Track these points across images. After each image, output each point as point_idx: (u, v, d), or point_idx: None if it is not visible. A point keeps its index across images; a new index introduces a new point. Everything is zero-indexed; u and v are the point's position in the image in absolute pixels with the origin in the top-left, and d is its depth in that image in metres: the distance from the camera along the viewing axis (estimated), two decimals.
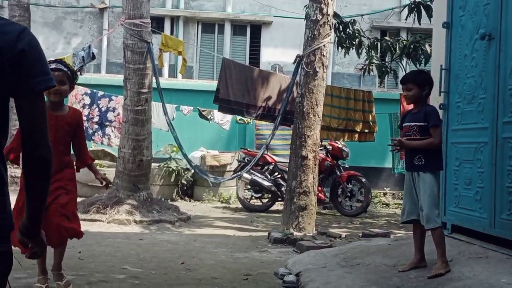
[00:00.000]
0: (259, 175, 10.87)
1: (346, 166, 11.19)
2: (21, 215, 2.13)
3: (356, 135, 10.80)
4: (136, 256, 6.33)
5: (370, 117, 10.77)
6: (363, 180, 10.84)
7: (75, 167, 4.73)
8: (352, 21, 10.65)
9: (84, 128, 11.06)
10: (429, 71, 6.26)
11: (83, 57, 10.65)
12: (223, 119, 12.34)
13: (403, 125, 4.99)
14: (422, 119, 4.72)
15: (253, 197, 11.17)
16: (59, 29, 15.92)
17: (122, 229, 8.12)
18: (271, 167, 11.03)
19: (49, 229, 4.10)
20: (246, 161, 10.75)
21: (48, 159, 1.87)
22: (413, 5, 9.24)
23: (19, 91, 1.80)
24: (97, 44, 14.30)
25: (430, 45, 9.74)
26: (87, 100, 11.82)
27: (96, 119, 11.78)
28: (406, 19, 10.75)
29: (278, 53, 16.28)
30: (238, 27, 16.85)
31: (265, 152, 10.34)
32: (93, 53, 10.86)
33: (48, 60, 5.83)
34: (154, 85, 9.47)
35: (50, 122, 3.79)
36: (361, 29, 10.95)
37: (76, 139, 4.69)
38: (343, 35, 10.23)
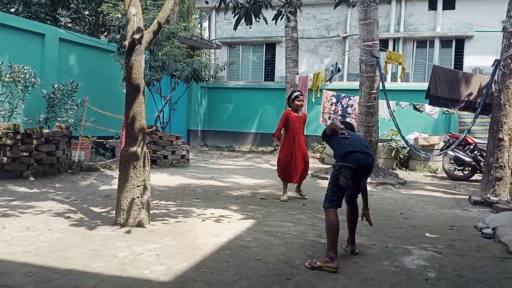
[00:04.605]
0: (461, 152, 9.91)
1: None
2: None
3: None
4: (369, 206, 6.32)
5: None
6: None
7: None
8: None
9: (332, 118, 11.80)
10: None
11: (332, 71, 10.86)
12: (432, 111, 11.53)
13: None
14: None
15: (456, 169, 10.20)
16: (316, 53, 16.37)
17: None
18: (471, 147, 9.94)
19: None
20: (450, 142, 9.86)
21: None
22: None
23: None
24: (341, 61, 14.40)
25: None
26: (334, 100, 12.02)
27: (339, 112, 11.95)
28: None
29: (478, 59, 14.46)
30: (445, 42, 15.37)
31: (467, 135, 9.43)
32: (338, 68, 10.99)
33: (295, 89, 8.64)
34: (381, 87, 9.22)
35: (296, 119, 6.58)
36: None
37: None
38: None
